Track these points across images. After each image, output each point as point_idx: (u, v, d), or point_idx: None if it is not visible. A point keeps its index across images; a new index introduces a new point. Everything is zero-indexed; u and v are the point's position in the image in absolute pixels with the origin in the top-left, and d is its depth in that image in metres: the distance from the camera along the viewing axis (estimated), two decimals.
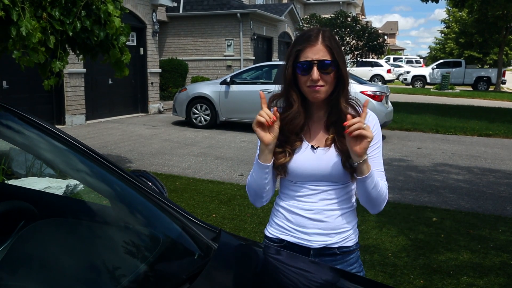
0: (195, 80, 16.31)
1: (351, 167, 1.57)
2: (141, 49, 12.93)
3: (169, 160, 7.01)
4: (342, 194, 1.64)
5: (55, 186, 4.54)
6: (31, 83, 9.44)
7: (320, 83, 1.51)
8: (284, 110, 1.60)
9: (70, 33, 4.48)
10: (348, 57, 22.07)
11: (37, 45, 4.14)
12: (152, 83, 13.34)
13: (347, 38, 20.05)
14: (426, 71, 28.75)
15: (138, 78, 12.97)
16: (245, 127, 9.91)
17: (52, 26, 4.36)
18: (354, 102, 1.61)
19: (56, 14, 4.37)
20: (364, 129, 1.45)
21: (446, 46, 40.49)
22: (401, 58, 39.76)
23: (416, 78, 28.30)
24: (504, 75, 27.92)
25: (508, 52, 37.52)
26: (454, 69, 27.16)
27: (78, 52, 4.99)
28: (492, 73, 26.96)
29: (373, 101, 8.68)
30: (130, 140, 8.64)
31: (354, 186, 1.67)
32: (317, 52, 1.50)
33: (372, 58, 28.62)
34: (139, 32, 12.75)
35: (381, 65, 28.35)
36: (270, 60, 19.07)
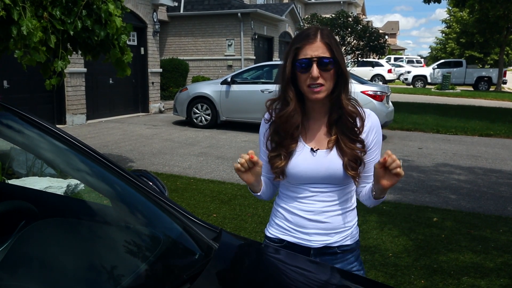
0: (196, 79, 16.31)
1: (353, 170, 1.55)
2: (142, 48, 12.93)
3: (170, 160, 7.01)
4: (343, 195, 1.64)
5: (56, 185, 4.54)
6: (31, 83, 9.45)
7: (320, 81, 1.50)
8: (280, 110, 1.59)
9: (71, 33, 4.48)
10: (349, 57, 22.07)
11: (38, 44, 4.14)
12: (153, 82, 13.35)
13: (348, 38, 20.05)
14: (427, 71, 28.73)
15: (139, 78, 12.97)
16: (246, 126, 9.91)
17: (53, 25, 4.37)
18: (354, 102, 1.60)
19: (57, 13, 4.37)
20: (400, 167, 1.44)
21: (447, 46, 40.50)
22: (402, 58, 39.73)
23: (417, 78, 28.28)
24: (505, 75, 27.89)
25: (509, 52, 37.52)
26: (455, 69, 27.14)
27: (79, 52, 4.99)
28: (493, 73, 26.94)
29: (374, 101, 8.68)
30: (130, 140, 8.65)
31: (354, 187, 1.67)
32: (316, 49, 1.49)
33: (373, 58, 28.62)
34: (139, 31, 12.75)
35: (382, 65, 28.34)
36: (271, 60, 19.07)
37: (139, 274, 1.36)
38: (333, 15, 20.39)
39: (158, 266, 1.42)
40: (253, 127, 9.62)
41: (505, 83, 28.06)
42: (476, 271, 3.42)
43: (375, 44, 19.91)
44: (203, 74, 17.75)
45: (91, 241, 1.61)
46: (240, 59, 17.61)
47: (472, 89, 26.72)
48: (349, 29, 19.88)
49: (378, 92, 8.88)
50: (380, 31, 22.76)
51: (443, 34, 42.12)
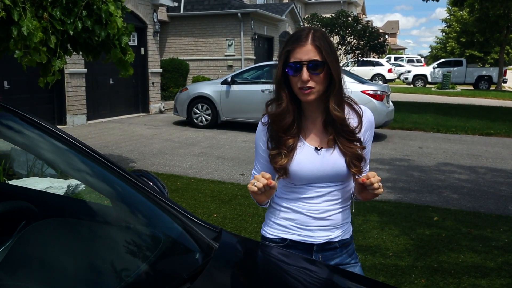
0: (196, 80, 16.31)
1: (355, 167, 1.58)
2: (142, 49, 12.94)
3: (170, 160, 7.01)
4: (345, 193, 1.67)
5: (56, 186, 4.54)
6: (32, 83, 9.44)
7: (310, 84, 1.51)
8: (275, 110, 1.61)
9: (71, 33, 4.48)
10: (349, 56, 22.06)
11: (39, 45, 4.15)
12: (153, 83, 13.35)
13: (348, 38, 20.04)
14: (427, 70, 28.72)
15: (139, 78, 12.97)
16: (246, 126, 9.91)
17: (53, 26, 4.37)
18: (350, 101, 1.63)
19: (57, 14, 4.38)
20: (379, 188, 1.52)
21: (447, 45, 40.44)
22: (402, 57, 39.72)
23: (417, 77, 28.28)
24: (505, 74, 27.87)
25: (510, 51, 37.47)
26: (455, 68, 27.13)
27: (80, 52, 4.99)
28: (493, 72, 26.92)
29: (374, 101, 8.67)
30: (131, 140, 8.65)
31: (353, 185, 1.69)
32: (307, 52, 1.50)
33: (373, 57, 28.61)
34: (140, 32, 12.75)
35: (382, 65, 28.33)
36: (271, 60, 19.04)
37: (140, 274, 1.36)
38: (333, 15, 20.39)
39: (158, 266, 1.42)
40: (253, 127, 9.58)
41: (505, 82, 28.03)
42: (477, 271, 3.42)
43: (375, 43, 19.91)
44: (203, 74, 17.75)
45: (92, 241, 1.61)
46: (240, 59, 17.60)
47: (472, 88, 26.70)
48: (349, 29, 19.87)
49: (379, 92, 8.87)
50: (380, 31, 22.79)
51: (443, 34, 42.08)
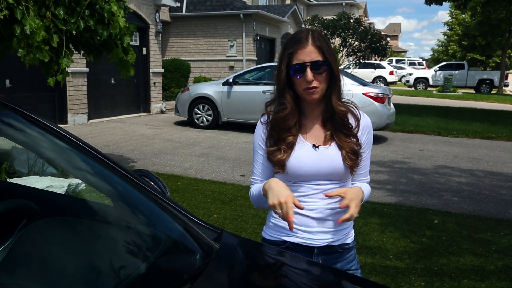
0: (198, 80, 16.31)
1: (351, 161, 1.61)
2: (144, 49, 12.95)
3: (171, 160, 7.01)
4: None
5: (57, 185, 4.54)
6: (33, 82, 9.46)
7: (315, 83, 1.55)
8: (277, 111, 1.63)
9: (74, 32, 4.49)
10: (350, 58, 22.05)
11: (41, 43, 4.15)
12: (154, 83, 13.36)
13: (350, 40, 20.04)
14: (428, 73, 28.72)
15: (141, 78, 12.98)
16: (247, 127, 9.90)
17: (55, 25, 4.38)
18: (352, 106, 1.67)
19: (60, 13, 4.39)
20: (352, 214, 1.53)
21: (449, 48, 40.45)
22: (404, 60, 39.71)
23: (418, 80, 28.27)
24: (506, 77, 27.88)
25: (511, 54, 37.45)
26: (456, 72, 27.13)
27: (82, 51, 5.00)
28: (495, 75, 26.93)
29: (376, 103, 8.67)
30: (132, 140, 8.65)
31: (352, 183, 1.71)
32: (309, 54, 1.54)
33: (375, 59, 28.62)
34: (142, 32, 12.76)
35: (383, 67, 28.31)
36: (273, 61, 19.03)
37: (140, 274, 1.36)
38: (335, 17, 20.40)
39: (159, 266, 1.42)
40: (254, 128, 9.60)
41: (506, 86, 28.03)
42: (477, 274, 3.41)
43: (376, 45, 19.91)
44: (204, 75, 17.75)
45: (92, 240, 1.61)
46: (242, 60, 17.61)
47: (473, 91, 26.70)
48: (351, 31, 19.87)
49: (380, 94, 8.87)
50: (382, 33, 22.79)
51: (445, 37, 42.08)
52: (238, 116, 9.94)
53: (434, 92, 24.65)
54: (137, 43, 12.71)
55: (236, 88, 9.90)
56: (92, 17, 4.60)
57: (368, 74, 26.48)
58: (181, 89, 11.38)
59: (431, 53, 52.60)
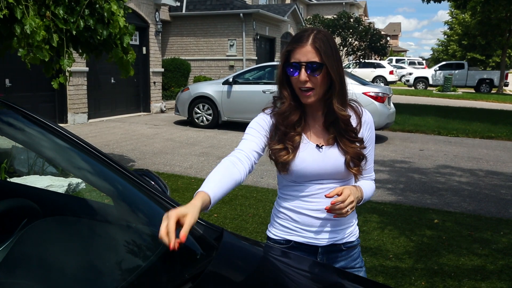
0: (198, 79, 16.31)
1: (355, 166, 1.60)
2: (144, 48, 12.94)
3: (171, 160, 7.01)
4: None
5: (57, 184, 4.54)
6: (34, 82, 9.45)
7: (309, 85, 1.52)
8: (279, 105, 1.62)
9: (74, 32, 4.49)
10: (350, 58, 22.05)
11: (41, 43, 4.15)
12: (154, 82, 13.35)
13: (350, 39, 20.03)
14: (428, 72, 28.70)
15: (141, 77, 12.97)
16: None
17: (55, 24, 4.38)
18: (354, 104, 1.64)
19: (60, 12, 4.38)
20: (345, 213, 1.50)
21: (449, 48, 40.44)
22: (404, 59, 39.69)
23: (418, 79, 28.25)
24: (506, 77, 27.88)
25: (511, 54, 37.44)
26: (456, 71, 27.11)
27: (81, 51, 5.00)
28: (495, 75, 26.91)
29: (376, 102, 8.67)
30: (132, 139, 8.65)
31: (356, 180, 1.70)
32: (306, 54, 1.50)
33: (375, 59, 28.59)
34: (142, 31, 12.75)
35: (383, 67, 28.30)
36: (273, 61, 19.05)
37: (141, 273, 1.36)
38: (335, 16, 20.38)
39: (159, 265, 1.42)
40: None
41: (506, 85, 28.03)
42: (477, 273, 3.41)
43: (376, 45, 19.89)
44: (204, 74, 17.75)
45: (93, 239, 1.61)
46: (242, 60, 17.60)
47: (473, 91, 26.69)
48: (351, 30, 19.86)
49: (380, 94, 8.87)
50: (382, 33, 22.76)
51: (445, 36, 42.07)
52: (238, 116, 9.94)
53: (434, 91, 24.63)
54: (137, 43, 12.71)
55: (236, 87, 9.90)
56: (92, 17, 4.59)
57: (368, 73, 26.46)
58: (181, 89, 11.38)
59: (431, 52, 52.67)
